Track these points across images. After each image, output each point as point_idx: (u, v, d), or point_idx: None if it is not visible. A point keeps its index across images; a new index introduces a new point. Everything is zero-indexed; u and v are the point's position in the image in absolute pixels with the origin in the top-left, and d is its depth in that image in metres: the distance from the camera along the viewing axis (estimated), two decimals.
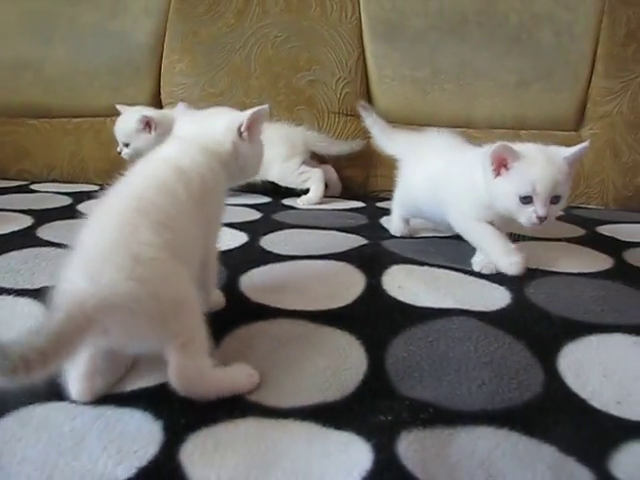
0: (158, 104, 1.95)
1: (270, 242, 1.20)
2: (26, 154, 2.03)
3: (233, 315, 0.87)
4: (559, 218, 1.12)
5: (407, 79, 1.87)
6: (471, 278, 1.03)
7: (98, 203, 0.73)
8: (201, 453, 0.61)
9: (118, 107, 1.71)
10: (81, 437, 0.62)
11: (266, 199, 1.67)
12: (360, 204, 1.66)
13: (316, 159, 1.78)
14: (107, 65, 2.01)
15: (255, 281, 1.00)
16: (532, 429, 0.67)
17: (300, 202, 1.63)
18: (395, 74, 1.88)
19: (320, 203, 1.64)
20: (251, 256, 1.11)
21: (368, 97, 1.90)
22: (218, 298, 0.91)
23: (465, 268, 1.06)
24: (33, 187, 1.82)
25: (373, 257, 1.08)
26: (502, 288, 0.99)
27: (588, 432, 0.68)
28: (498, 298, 0.95)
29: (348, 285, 0.97)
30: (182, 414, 0.66)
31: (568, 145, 1.01)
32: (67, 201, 1.59)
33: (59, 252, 1.07)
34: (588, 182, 1.78)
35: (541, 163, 0.96)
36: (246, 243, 1.19)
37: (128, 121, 1.66)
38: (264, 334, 0.83)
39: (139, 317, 0.64)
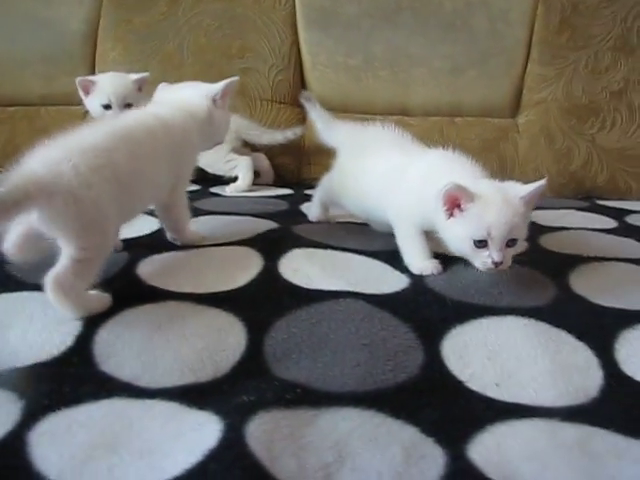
0: None
1: None
2: None
3: (123, 297, 0.85)
4: None
5: (341, 66, 1.85)
6: (376, 262, 1.01)
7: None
8: (52, 433, 0.62)
9: (91, 78, 1.61)
10: None
11: (194, 187, 1.63)
12: (288, 191, 1.64)
13: (249, 147, 1.75)
14: (41, 53, 1.97)
15: (154, 267, 0.97)
16: (400, 411, 0.66)
17: (228, 190, 1.60)
18: (329, 61, 1.86)
19: (249, 191, 1.61)
20: (157, 243, 1.08)
21: (302, 84, 1.88)
22: (194, 236, 1.05)
23: (371, 250, 1.04)
24: None
25: (276, 241, 1.06)
26: (404, 274, 0.97)
27: (456, 414, 0.67)
28: (395, 282, 0.94)
29: (244, 269, 0.95)
30: (47, 395, 0.67)
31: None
32: None
33: None
34: (522, 169, 1.76)
35: (497, 205, 0.88)
36: (157, 230, 1.16)
37: (125, 83, 1.58)
38: (148, 315, 0.82)
39: (67, 212, 0.75)
